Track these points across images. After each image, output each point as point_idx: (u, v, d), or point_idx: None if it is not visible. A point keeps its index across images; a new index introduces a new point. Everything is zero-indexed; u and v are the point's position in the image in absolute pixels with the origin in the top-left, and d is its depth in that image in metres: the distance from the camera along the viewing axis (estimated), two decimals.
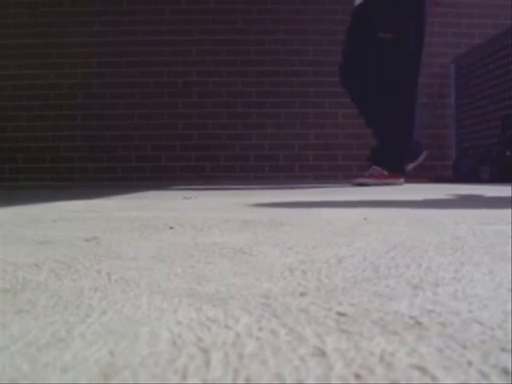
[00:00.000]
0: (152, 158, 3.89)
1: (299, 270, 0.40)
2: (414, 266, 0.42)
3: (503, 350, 0.22)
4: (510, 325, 0.25)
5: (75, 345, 0.23)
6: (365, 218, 0.80)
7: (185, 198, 1.49)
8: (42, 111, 3.89)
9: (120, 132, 3.89)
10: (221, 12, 3.87)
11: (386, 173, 2.52)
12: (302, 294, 0.33)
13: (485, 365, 0.20)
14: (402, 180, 2.57)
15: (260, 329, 0.26)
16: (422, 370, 0.20)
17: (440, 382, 0.19)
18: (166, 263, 0.44)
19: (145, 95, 3.89)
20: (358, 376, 0.20)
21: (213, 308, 0.30)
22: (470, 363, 0.21)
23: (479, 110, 3.55)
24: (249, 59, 3.86)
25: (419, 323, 0.26)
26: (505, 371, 0.20)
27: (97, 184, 3.39)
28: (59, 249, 0.53)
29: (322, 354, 0.22)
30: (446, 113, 3.95)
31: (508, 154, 2.83)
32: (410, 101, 2.50)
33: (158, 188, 2.34)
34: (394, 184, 2.50)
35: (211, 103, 3.90)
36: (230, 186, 2.46)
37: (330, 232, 0.64)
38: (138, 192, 1.98)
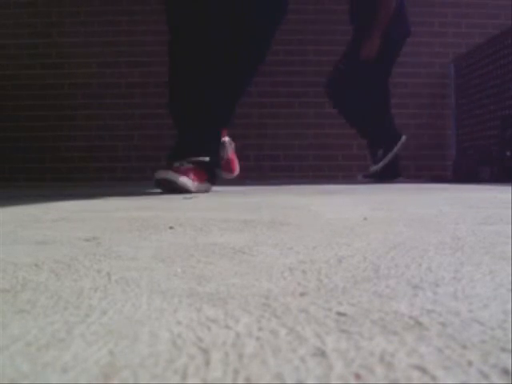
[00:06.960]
0: (152, 157, 3.89)
1: (299, 270, 0.40)
2: (413, 265, 0.42)
3: (503, 350, 0.22)
4: (510, 325, 0.25)
5: (75, 345, 0.23)
6: (365, 218, 0.80)
7: (185, 198, 1.49)
8: (42, 111, 3.89)
9: (120, 132, 3.88)
10: None
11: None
12: (302, 294, 0.33)
13: (485, 365, 0.20)
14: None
15: (260, 329, 0.26)
16: (422, 369, 0.20)
17: (440, 382, 0.19)
18: (166, 263, 0.44)
19: (145, 95, 3.89)
20: (358, 376, 0.20)
21: (213, 308, 0.30)
22: (469, 363, 0.21)
23: (479, 110, 3.54)
24: None
25: (419, 323, 0.26)
26: (505, 371, 0.20)
27: (97, 184, 3.39)
28: (59, 249, 0.53)
29: (322, 354, 0.22)
30: (445, 113, 3.95)
31: (508, 154, 2.83)
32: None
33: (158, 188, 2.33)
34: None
35: None
36: (230, 185, 2.46)
37: (330, 232, 0.64)
38: (138, 192, 1.98)
